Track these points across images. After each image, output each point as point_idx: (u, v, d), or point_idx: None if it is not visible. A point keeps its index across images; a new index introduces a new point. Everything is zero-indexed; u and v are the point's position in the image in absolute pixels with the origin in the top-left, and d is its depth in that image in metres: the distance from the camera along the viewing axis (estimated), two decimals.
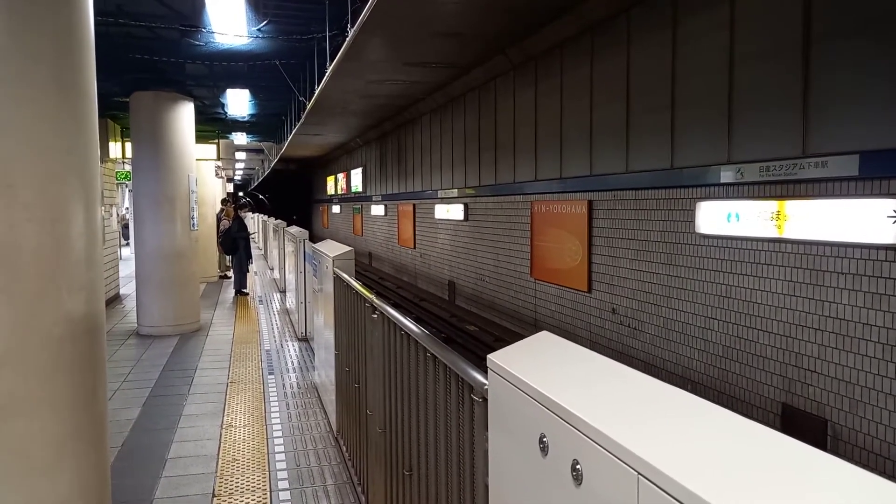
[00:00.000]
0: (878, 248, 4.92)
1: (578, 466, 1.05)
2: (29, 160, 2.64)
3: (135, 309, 9.26)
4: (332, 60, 9.77)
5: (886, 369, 4.90)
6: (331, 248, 4.83)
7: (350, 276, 3.94)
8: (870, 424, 5.04)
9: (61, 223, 2.77)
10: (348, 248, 4.55)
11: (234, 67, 9.84)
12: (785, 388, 5.78)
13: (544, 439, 1.18)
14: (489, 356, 1.49)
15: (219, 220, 14.36)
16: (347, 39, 8.79)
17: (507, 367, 1.38)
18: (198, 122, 9.91)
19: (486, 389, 1.53)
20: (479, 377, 1.63)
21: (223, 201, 15.26)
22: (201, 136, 12.15)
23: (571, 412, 1.08)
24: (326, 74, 10.34)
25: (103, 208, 10.59)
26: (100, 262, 3.13)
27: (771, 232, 5.77)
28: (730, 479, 0.80)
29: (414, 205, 17.06)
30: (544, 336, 1.56)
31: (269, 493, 3.85)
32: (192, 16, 7.64)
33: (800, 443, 0.85)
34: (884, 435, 4.93)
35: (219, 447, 4.58)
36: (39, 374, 2.66)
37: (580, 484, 1.05)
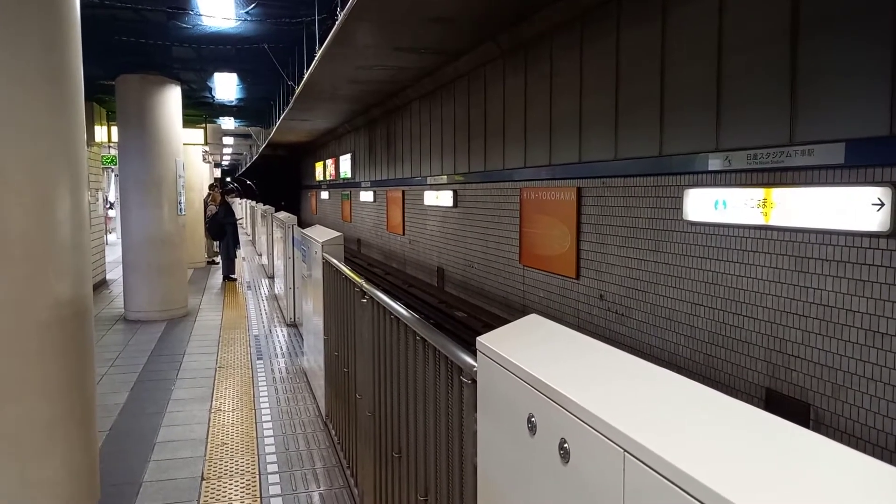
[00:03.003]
0: (861, 235, 4.98)
1: (566, 445, 1.07)
2: (17, 144, 2.62)
3: (122, 294, 9.21)
4: (320, 45, 9.69)
5: (869, 355, 4.98)
6: (320, 234, 4.82)
7: (339, 262, 3.94)
8: (851, 409, 5.12)
9: (48, 207, 2.75)
10: (337, 234, 4.54)
11: (221, 51, 9.74)
12: (769, 374, 5.86)
13: (532, 419, 1.19)
14: (478, 338, 1.50)
15: (206, 205, 14.27)
16: (336, 24, 8.71)
17: (497, 349, 1.39)
18: (185, 106, 9.81)
19: (476, 371, 1.54)
20: (469, 359, 1.64)
21: (211, 186, 15.16)
22: (188, 121, 12.05)
23: (559, 392, 1.09)
24: (315, 59, 10.25)
25: (89, 193, 10.49)
26: (87, 247, 3.12)
27: (757, 219, 5.82)
28: (715, 456, 0.82)
29: (403, 191, 17.02)
30: (533, 319, 1.58)
31: (258, 477, 3.87)
32: None
33: (785, 421, 0.87)
34: (865, 419, 5.02)
35: (207, 431, 4.59)
36: (28, 359, 2.66)
37: (567, 462, 1.07)
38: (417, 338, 2.15)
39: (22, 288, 2.62)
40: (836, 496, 0.71)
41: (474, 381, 1.56)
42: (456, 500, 1.81)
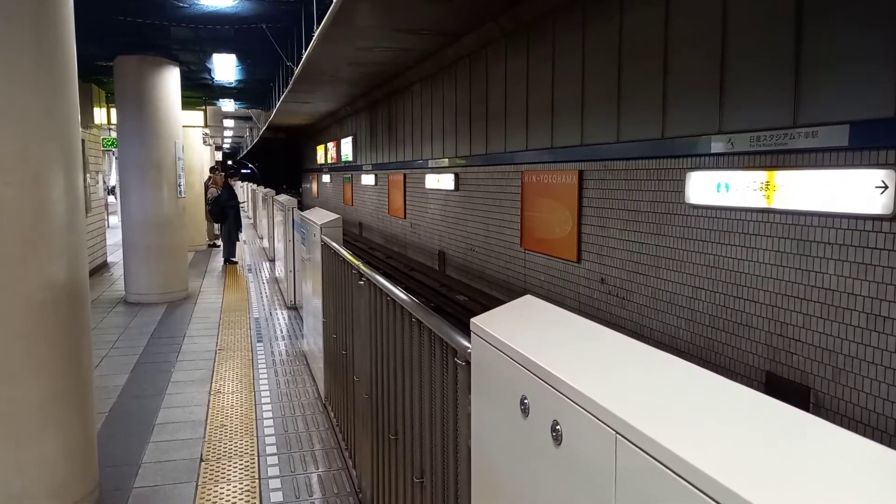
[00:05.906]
0: (865, 218, 4.94)
1: (558, 427, 1.05)
2: (7, 123, 2.58)
3: (122, 276, 9.21)
4: (319, 25, 9.58)
5: (870, 338, 4.96)
6: (319, 216, 4.79)
7: (338, 244, 3.92)
8: (851, 392, 5.12)
9: (41, 188, 2.73)
10: (336, 216, 4.51)
11: (220, 31, 9.62)
12: (770, 357, 5.85)
13: (525, 401, 1.17)
14: (473, 319, 1.48)
15: (206, 188, 14.22)
16: (334, 3, 8.60)
17: (491, 331, 1.37)
18: (184, 87, 9.73)
19: (470, 353, 1.52)
20: (463, 341, 1.62)
21: (211, 169, 15.10)
22: (188, 103, 11.98)
23: (552, 373, 1.07)
24: (313, 40, 10.14)
25: (88, 175, 10.45)
26: (82, 228, 3.09)
27: (760, 202, 5.78)
28: (708, 438, 0.80)
29: (404, 174, 16.96)
30: (528, 300, 1.55)
31: (256, 458, 3.87)
32: None
33: (782, 403, 0.85)
34: (864, 402, 5.01)
35: (207, 413, 4.60)
36: (23, 340, 2.64)
37: (560, 444, 1.05)
38: (413, 320, 2.13)
39: (16, 269, 2.60)
40: (833, 479, 0.69)
41: (468, 363, 1.54)
42: (451, 482, 1.80)
